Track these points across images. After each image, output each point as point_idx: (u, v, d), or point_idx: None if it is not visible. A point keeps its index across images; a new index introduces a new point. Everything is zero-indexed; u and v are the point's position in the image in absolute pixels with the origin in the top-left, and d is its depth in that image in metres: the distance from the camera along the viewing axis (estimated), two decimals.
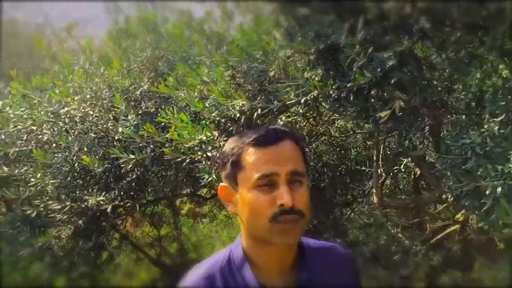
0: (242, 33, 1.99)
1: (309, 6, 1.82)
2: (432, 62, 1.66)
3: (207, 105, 2.15)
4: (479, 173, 1.46)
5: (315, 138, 2.79)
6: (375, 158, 2.37)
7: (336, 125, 2.89)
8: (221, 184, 1.00)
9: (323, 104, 1.98)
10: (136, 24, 2.90)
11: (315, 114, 2.33)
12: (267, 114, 2.16)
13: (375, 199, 2.46)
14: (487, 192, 1.42)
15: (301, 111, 2.22)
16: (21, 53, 5.01)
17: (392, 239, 2.95)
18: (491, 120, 1.50)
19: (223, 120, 2.20)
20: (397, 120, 1.74)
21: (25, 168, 2.86)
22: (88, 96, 2.81)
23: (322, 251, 1.11)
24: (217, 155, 1.04)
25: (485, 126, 1.50)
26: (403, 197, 3.06)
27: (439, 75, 1.72)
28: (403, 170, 2.77)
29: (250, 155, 0.94)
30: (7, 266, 3.71)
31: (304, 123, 2.60)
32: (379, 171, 2.45)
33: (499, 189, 1.41)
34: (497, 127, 1.47)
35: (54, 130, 2.90)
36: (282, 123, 2.56)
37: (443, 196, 1.75)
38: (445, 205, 2.69)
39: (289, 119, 2.50)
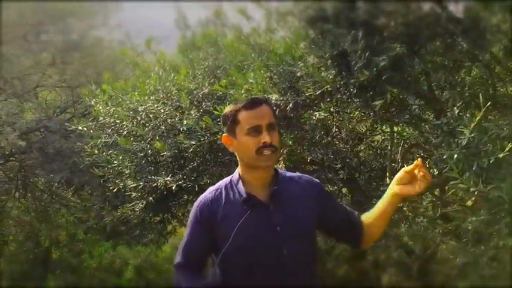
0: (283, 44, 2.66)
1: (328, 23, 2.46)
2: (415, 63, 2.21)
3: None
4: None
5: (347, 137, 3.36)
6: (389, 147, 2.91)
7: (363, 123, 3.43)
8: (223, 134, 1.67)
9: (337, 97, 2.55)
10: (201, 38, 3.66)
11: (337, 109, 2.91)
12: (296, 108, 2.79)
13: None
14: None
15: (322, 106, 2.80)
16: (106, 63, 6.01)
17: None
18: (454, 107, 2.03)
19: None
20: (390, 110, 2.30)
21: (109, 152, 3.68)
22: (161, 96, 3.58)
23: (293, 176, 1.76)
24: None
25: (449, 112, 2.03)
26: None
27: (422, 74, 2.27)
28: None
29: (243, 114, 1.61)
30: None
31: (332, 120, 3.19)
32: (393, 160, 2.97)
33: (455, 156, 1.94)
34: (457, 111, 2.00)
35: (133, 123, 3.69)
36: (315, 119, 3.17)
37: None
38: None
39: (321, 117, 3.09)
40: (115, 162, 3.65)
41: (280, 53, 2.61)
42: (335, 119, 3.15)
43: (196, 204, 1.70)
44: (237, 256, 1.63)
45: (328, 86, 2.33)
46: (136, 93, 3.58)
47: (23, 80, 5.42)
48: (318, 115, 3.14)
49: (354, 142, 3.64)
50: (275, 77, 2.68)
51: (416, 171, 1.67)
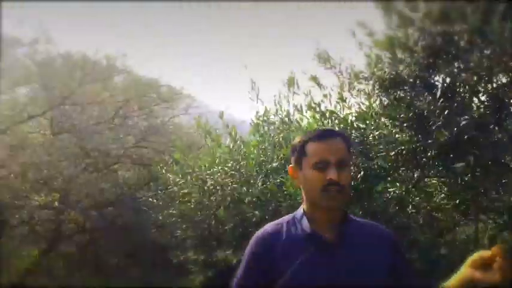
0: (354, 110, 2.61)
1: (404, 85, 2.38)
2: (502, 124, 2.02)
3: None
4: None
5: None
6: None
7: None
8: (290, 165, 1.54)
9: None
10: (274, 113, 3.70)
11: (413, 181, 2.70)
12: (367, 177, 2.64)
13: None
14: None
15: (396, 177, 2.62)
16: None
17: None
18: None
19: None
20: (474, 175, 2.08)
21: (173, 219, 3.65)
22: (229, 165, 3.58)
23: (365, 222, 1.55)
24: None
25: None
26: None
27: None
28: None
29: (312, 146, 1.48)
30: None
31: (408, 195, 2.96)
32: None
33: None
34: None
35: (200, 194, 3.69)
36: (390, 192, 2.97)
37: None
38: None
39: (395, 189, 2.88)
40: (178, 231, 3.60)
41: (352, 119, 2.53)
42: (411, 194, 2.91)
43: (254, 237, 1.53)
44: None
45: (402, 147, 2.18)
46: (205, 162, 3.61)
47: (104, 155, 5.73)
48: (392, 190, 2.94)
49: (433, 229, 3.32)
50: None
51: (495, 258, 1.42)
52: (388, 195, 2.95)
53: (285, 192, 2.80)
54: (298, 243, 1.44)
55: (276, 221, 1.53)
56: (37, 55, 5.79)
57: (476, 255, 1.42)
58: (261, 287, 1.45)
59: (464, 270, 1.45)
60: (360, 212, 2.90)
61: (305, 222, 1.47)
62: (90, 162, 5.85)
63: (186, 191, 3.77)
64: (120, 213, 5.45)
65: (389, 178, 2.81)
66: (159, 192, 3.85)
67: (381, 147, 2.27)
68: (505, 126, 2.07)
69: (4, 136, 4.94)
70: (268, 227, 1.52)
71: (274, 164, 3.55)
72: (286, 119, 3.53)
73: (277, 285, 1.42)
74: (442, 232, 3.57)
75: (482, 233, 3.20)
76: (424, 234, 3.49)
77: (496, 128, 2.06)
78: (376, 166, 2.64)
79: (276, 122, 3.65)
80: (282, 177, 3.55)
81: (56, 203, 5.74)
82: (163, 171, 3.93)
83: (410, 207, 3.12)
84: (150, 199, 4.02)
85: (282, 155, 3.62)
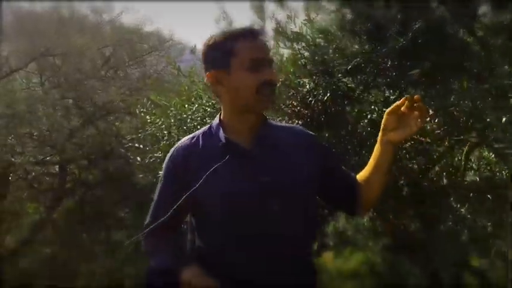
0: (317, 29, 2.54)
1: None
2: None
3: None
4: None
5: None
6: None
7: None
8: (209, 72, 1.48)
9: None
10: None
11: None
12: (335, 100, 2.60)
13: None
14: None
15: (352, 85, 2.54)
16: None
17: None
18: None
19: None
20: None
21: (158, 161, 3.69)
22: (204, 102, 3.56)
23: (285, 125, 1.53)
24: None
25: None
26: None
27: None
28: None
29: (243, 45, 1.43)
30: None
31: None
32: None
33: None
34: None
35: (179, 133, 3.69)
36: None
37: None
38: None
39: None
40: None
41: (314, 37, 2.46)
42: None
43: (168, 155, 1.51)
44: (214, 215, 1.41)
45: (358, 59, 2.13)
46: (180, 100, 3.59)
47: (96, 107, 5.76)
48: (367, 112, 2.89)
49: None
50: (307, 61, 2.53)
51: (405, 111, 1.38)
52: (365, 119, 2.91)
53: None
54: (214, 153, 1.41)
55: (191, 135, 1.50)
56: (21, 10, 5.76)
57: (384, 116, 1.39)
58: (179, 207, 1.43)
59: (379, 137, 1.42)
60: (334, 140, 2.86)
61: (220, 132, 1.44)
62: (83, 115, 5.90)
63: (165, 132, 3.77)
64: (115, 164, 5.53)
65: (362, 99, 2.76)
66: (140, 136, 3.86)
67: (340, 61, 2.22)
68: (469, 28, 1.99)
69: None
70: (182, 141, 1.48)
71: None
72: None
73: (194, 197, 1.40)
74: (432, 158, 3.54)
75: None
76: (412, 160, 3.47)
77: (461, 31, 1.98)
78: (343, 86, 2.59)
79: None
80: None
81: (55, 158, 5.88)
82: (142, 113, 3.92)
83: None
84: (136, 144, 4.04)
85: None
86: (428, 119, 1.38)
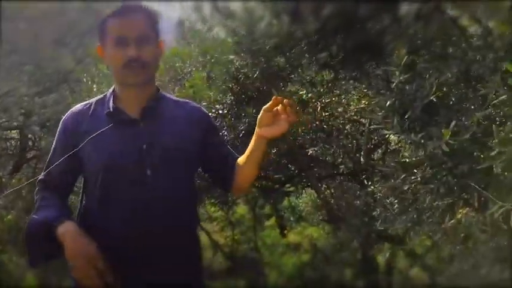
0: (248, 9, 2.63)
1: None
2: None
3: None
4: None
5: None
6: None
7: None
8: (98, 45, 1.61)
9: None
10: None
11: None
12: (264, 76, 2.72)
13: None
14: None
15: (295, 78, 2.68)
16: None
17: None
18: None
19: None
20: None
21: None
22: None
23: (179, 100, 1.67)
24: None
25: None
26: None
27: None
28: None
29: (111, 23, 1.54)
30: None
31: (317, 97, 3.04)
32: None
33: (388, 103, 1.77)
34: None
35: None
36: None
37: None
38: None
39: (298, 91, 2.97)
40: None
41: (241, 16, 2.56)
42: (311, 94, 3.00)
43: (63, 118, 1.64)
44: (97, 176, 1.55)
45: (274, 40, 2.24)
46: None
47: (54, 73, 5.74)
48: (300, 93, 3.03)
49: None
50: (237, 39, 2.63)
51: (280, 110, 1.53)
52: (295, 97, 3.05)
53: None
54: (102, 119, 1.55)
55: (86, 102, 1.64)
56: None
57: (261, 112, 1.56)
58: (69, 166, 1.58)
59: (256, 129, 1.59)
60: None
61: (111, 100, 1.57)
62: (41, 82, 5.88)
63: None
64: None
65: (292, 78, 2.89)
66: None
67: (259, 42, 2.34)
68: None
69: None
70: (76, 107, 1.63)
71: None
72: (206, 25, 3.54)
73: (80, 159, 1.55)
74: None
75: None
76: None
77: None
78: (274, 65, 2.71)
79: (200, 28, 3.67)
80: None
81: (11, 123, 5.87)
82: (89, 82, 3.98)
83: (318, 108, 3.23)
84: None
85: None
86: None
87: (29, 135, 6.37)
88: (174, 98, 1.74)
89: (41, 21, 5.98)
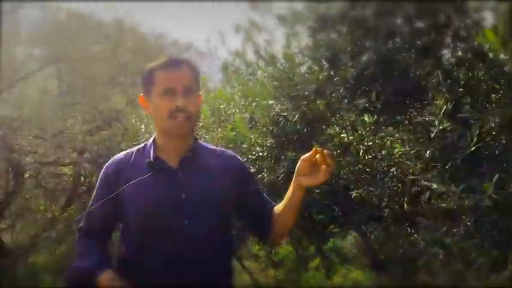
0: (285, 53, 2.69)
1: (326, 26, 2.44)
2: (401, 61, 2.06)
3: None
4: None
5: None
6: None
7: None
8: (140, 95, 1.67)
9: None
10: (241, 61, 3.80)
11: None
12: (304, 120, 2.73)
13: None
14: None
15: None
16: None
17: None
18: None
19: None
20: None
21: None
22: None
23: (215, 149, 1.70)
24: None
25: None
26: None
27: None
28: None
29: (159, 75, 1.60)
30: None
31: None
32: None
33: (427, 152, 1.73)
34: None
35: None
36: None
37: None
38: None
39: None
40: None
41: (282, 62, 2.62)
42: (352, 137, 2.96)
43: (105, 166, 1.70)
44: (136, 224, 1.59)
45: (313, 86, 2.27)
46: None
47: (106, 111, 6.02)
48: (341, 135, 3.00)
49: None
50: (277, 84, 2.68)
51: (319, 160, 1.52)
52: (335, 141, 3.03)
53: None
54: (143, 168, 1.60)
55: (127, 150, 1.70)
56: (39, 15, 6.11)
57: (299, 161, 1.55)
58: (110, 214, 1.63)
59: (294, 179, 1.58)
60: None
61: (151, 149, 1.63)
62: (94, 120, 6.17)
63: None
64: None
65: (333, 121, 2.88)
66: (134, 144, 4.06)
67: (298, 87, 2.37)
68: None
69: (6, 94, 5.30)
70: (118, 155, 1.69)
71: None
72: (249, 69, 3.63)
73: (120, 207, 1.59)
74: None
75: None
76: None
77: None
78: (315, 109, 2.73)
79: (243, 71, 3.75)
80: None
81: (65, 160, 6.16)
82: (137, 123, 4.13)
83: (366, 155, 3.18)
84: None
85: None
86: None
87: (81, 172, 6.68)
88: (211, 146, 1.77)
89: (94, 63, 6.31)
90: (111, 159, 1.70)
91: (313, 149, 1.53)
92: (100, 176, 1.68)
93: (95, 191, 1.69)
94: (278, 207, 1.69)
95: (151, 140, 1.69)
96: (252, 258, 6.42)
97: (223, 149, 1.79)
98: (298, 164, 1.58)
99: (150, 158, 1.62)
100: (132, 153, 1.68)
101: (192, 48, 7.89)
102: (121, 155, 1.70)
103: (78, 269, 1.56)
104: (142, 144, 1.71)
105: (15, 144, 5.47)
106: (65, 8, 6.78)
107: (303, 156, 1.56)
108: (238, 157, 1.78)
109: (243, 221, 1.85)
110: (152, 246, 1.55)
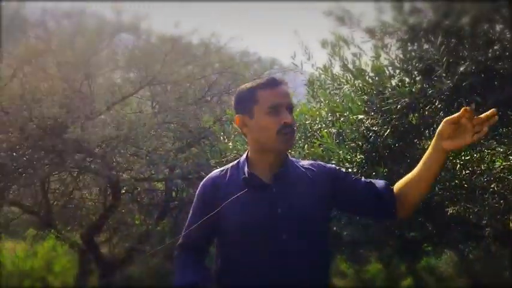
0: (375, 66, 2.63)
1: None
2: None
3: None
4: None
5: None
6: None
7: None
8: (236, 116, 1.70)
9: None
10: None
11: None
12: (395, 133, 2.65)
13: None
14: None
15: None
16: None
17: None
18: None
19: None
20: None
21: None
22: None
23: (306, 163, 1.69)
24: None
25: None
26: None
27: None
28: None
29: (264, 93, 1.63)
30: None
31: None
32: None
33: None
34: None
35: None
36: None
37: None
38: None
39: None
40: None
41: (371, 75, 2.57)
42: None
43: (202, 183, 1.76)
44: (233, 239, 1.63)
45: (406, 99, 2.19)
46: None
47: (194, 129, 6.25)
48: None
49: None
50: (367, 98, 2.62)
51: (464, 122, 1.45)
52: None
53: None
54: (238, 184, 1.64)
55: (223, 167, 1.75)
56: (133, 40, 6.54)
57: (442, 124, 1.48)
58: (208, 230, 1.68)
59: (434, 143, 1.52)
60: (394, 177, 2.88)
61: (246, 166, 1.66)
62: (183, 138, 6.44)
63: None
64: None
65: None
66: (222, 161, 4.16)
67: (390, 101, 2.30)
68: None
69: (105, 115, 5.70)
70: (214, 172, 1.75)
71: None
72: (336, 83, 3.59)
73: (217, 222, 1.64)
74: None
75: None
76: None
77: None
78: (406, 122, 2.64)
79: (329, 86, 3.72)
80: None
81: (158, 176, 6.48)
82: (225, 140, 4.24)
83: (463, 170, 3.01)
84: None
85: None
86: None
87: (172, 187, 6.98)
88: (300, 161, 1.78)
89: (184, 84, 6.61)
90: (208, 176, 1.76)
91: (462, 109, 1.46)
92: (197, 193, 1.75)
93: (192, 208, 1.75)
94: (408, 176, 1.64)
95: (244, 156, 1.73)
96: (339, 275, 6.30)
97: (311, 161, 1.79)
98: (440, 127, 1.52)
99: (245, 174, 1.66)
100: (227, 170, 1.74)
101: (276, 64, 7.98)
102: (217, 172, 1.76)
103: (183, 285, 1.62)
104: (236, 162, 1.75)
105: (113, 162, 5.85)
106: (156, 32, 7.19)
107: (447, 118, 1.50)
108: (324, 163, 1.76)
109: (362, 213, 1.84)
110: (250, 262, 1.58)
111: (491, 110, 1.45)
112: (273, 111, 1.61)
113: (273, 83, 1.65)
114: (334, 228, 3.50)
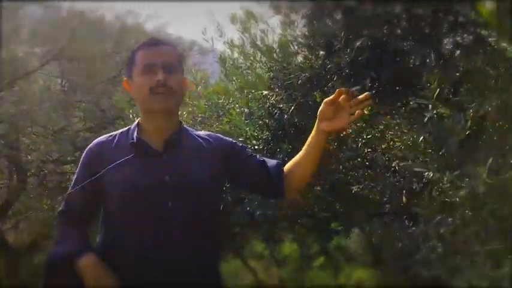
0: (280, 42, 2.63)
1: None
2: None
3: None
4: None
5: None
6: None
7: None
8: (124, 79, 1.63)
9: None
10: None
11: None
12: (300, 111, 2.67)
13: None
14: None
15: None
16: None
17: None
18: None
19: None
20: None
21: None
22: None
23: (202, 133, 1.65)
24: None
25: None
26: None
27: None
28: None
29: (140, 53, 1.57)
30: None
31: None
32: None
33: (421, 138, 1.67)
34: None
35: None
36: None
37: None
38: None
39: None
40: None
41: (277, 51, 2.57)
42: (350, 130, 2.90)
43: (87, 148, 1.66)
44: (116, 206, 1.55)
45: (306, 74, 2.21)
46: None
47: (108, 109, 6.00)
48: None
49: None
50: (273, 75, 2.63)
51: (343, 103, 1.47)
52: None
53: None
54: (126, 150, 1.55)
55: (111, 133, 1.66)
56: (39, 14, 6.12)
57: (322, 105, 1.50)
58: (91, 197, 1.59)
59: (316, 124, 1.53)
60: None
61: (135, 132, 1.59)
62: (96, 118, 6.16)
63: None
64: None
65: None
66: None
67: (292, 76, 2.31)
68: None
69: (7, 92, 5.30)
70: (102, 137, 1.65)
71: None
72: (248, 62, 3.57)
73: (100, 189, 1.55)
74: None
75: None
76: None
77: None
78: (311, 99, 2.67)
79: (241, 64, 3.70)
80: None
81: (67, 158, 6.15)
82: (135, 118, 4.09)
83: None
84: None
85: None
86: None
87: None
88: (196, 131, 1.73)
89: (97, 61, 6.30)
90: (94, 142, 1.66)
91: (337, 90, 1.47)
92: (82, 158, 1.64)
93: (75, 174, 1.65)
94: (297, 158, 1.64)
95: (135, 122, 1.65)
96: (255, 257, 6.37)
97: (209, 132, 1.75)
98: (320, 108, 1.53)
99: (133, 139, 1.57)
100: (115, 135, 1.64)
101: (196, 45, 7.86)
102: (103, 137, 1.66)
103: (59, 253, 1.53)
104: (127, 128, 1.67)
105: (17, 141, 5.47)
106: (65, 6, 6.78)
107: (326, 99, 1.51)
108: (222, 136, 1.73)
109: (251, 190, 1.83)
110: (134, 229, 1.52)
111: (365, 93, 1.49)
112: (146, 70, 1.54)
113: (150, 43, 1.59)
114: (248, 208, 3.51)
